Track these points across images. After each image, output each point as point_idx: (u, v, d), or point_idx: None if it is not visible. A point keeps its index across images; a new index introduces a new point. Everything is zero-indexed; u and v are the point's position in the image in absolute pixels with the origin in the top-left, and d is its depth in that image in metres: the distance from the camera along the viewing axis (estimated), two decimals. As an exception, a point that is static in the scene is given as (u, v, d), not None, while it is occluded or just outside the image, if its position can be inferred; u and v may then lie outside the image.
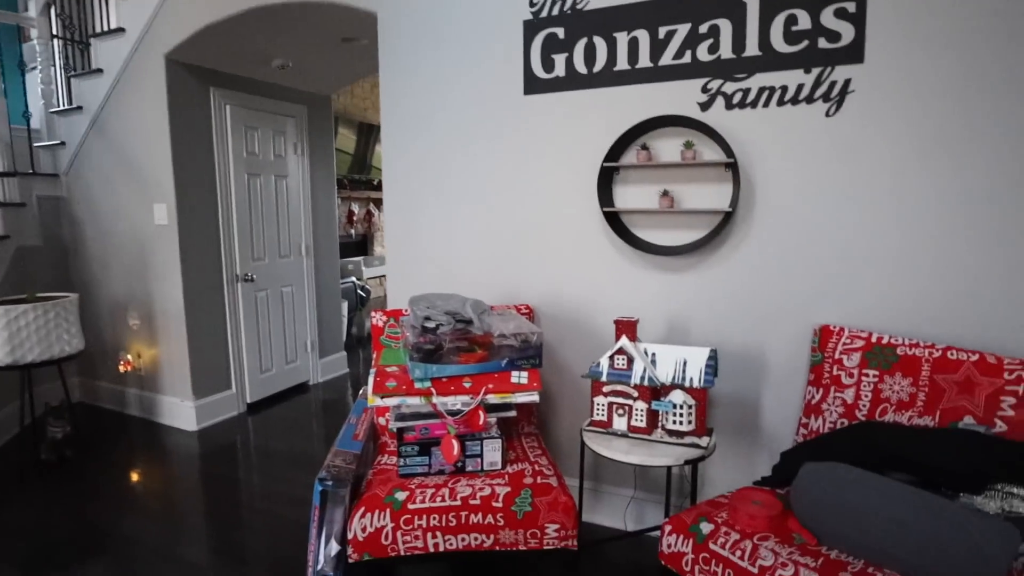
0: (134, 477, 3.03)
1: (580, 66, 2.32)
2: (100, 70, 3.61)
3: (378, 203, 8.99)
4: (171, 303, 3.55)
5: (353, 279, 5.89)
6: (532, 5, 2.38)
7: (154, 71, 3.37)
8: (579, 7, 2.28)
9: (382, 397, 1.86)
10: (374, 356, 2.29)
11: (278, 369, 4.15)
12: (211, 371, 3.71)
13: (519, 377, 1.91)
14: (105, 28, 3.65)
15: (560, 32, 2.34)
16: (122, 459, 3.22)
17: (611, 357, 1.92)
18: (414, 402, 1.87)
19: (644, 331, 2.30)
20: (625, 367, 1.89)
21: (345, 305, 5.11)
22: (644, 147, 2.19)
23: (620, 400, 1.90)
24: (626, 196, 2.30)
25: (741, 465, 2.25)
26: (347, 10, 2.80)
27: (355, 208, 8.36)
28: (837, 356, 1.89)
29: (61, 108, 3.92)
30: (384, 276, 9.04)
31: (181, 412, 3.63)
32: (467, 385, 1.89)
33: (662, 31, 2.16)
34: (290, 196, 4.20)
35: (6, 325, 2.89)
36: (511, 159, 2.50)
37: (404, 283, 2.81)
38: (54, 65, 4.12)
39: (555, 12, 2.33)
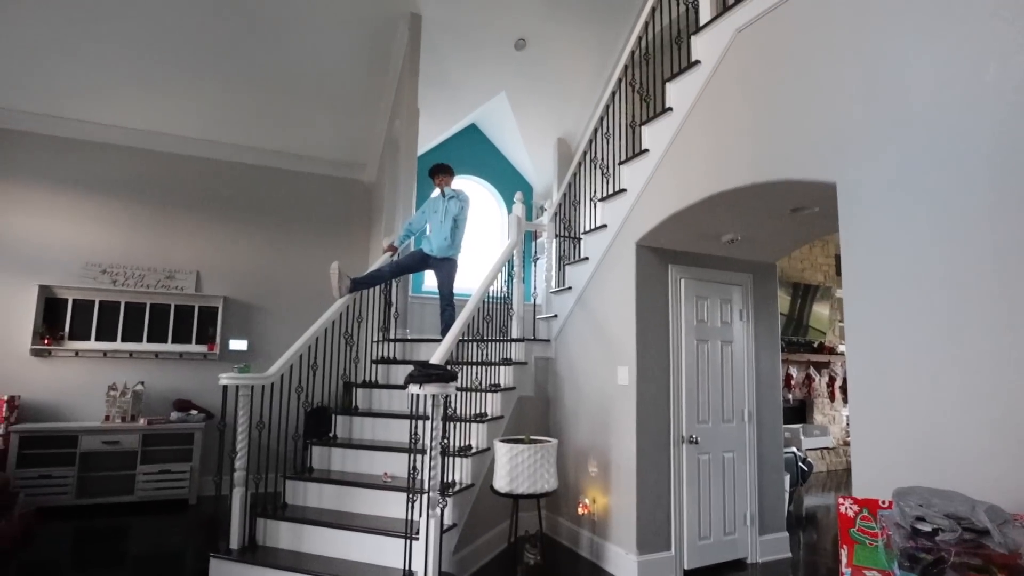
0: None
1: None
2: (587, 258, 4.54)
3: (818, 367, 8.32)
4: (624, 457, 3.90)
5: (794, 450, 5.42)
6: (1046, 145, 1.99)
7: (626, 256, 4.05)
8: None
9: (861, 607, 1.59)
10: (843, 551, 2.00)
11: (716, 539, 4.01)
12: (654, 528, 3.83)
13: (1076, 628, 1.37)
14: (592, 226, 4.64)
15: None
16: (576, 598, 3.53)
17: None
18: (905, 624, 1.53)
19: None
20: None
21: (786, 479, 4.70)
22: None
23: None
24: None
25: None
26: (803, 184, 2.87)
27: (793, 372, 7.92)
28: None
29: (557, 289, 5.04)
30: (826, 448, 8.08)
31: (624, 564, 3.80)
32: (986, 620, 1.46)
33: None
34: (734, 361, 4.27)
35: (509, 460, 3.64)
36: (1027, 326, 2.01)
37: (872, 470, 2.43)
38: (553, 256, 5.39)
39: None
